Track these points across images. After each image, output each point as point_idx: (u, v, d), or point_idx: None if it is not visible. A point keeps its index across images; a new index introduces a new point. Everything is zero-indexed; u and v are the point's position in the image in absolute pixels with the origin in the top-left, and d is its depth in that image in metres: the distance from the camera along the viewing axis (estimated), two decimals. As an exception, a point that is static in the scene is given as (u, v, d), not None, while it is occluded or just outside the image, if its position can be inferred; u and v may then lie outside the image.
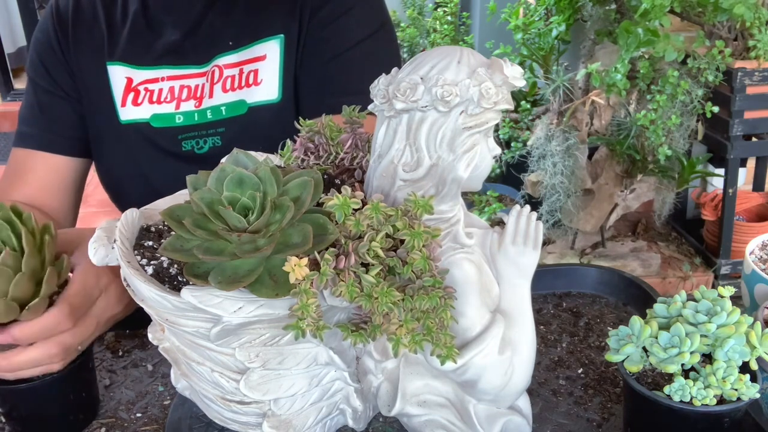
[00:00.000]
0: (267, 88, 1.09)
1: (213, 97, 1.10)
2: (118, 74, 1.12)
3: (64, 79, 1.15)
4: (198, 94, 1.10)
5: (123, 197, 1.19)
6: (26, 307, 0.70)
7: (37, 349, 0.73)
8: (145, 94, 1.11)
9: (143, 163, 1.12)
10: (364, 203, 0.57)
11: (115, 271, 0.82)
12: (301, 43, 1.09)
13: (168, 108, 1.11)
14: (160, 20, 1.12)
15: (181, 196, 0.71)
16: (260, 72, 1.09)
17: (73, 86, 1.15)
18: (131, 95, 1.12)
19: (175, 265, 0.62)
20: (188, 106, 1.10)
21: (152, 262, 0.62)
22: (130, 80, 1.12)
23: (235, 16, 1.11)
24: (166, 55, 1.11)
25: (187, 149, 1.10)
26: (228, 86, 1.09)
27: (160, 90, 1.11)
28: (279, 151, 0.73)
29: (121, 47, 1.13)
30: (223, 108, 1.09)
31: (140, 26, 1.12)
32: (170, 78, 1.11)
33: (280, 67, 1.09)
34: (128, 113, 1.12)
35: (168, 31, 1.12)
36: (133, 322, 0.94)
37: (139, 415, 0.81)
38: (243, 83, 1.09)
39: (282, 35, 1.09)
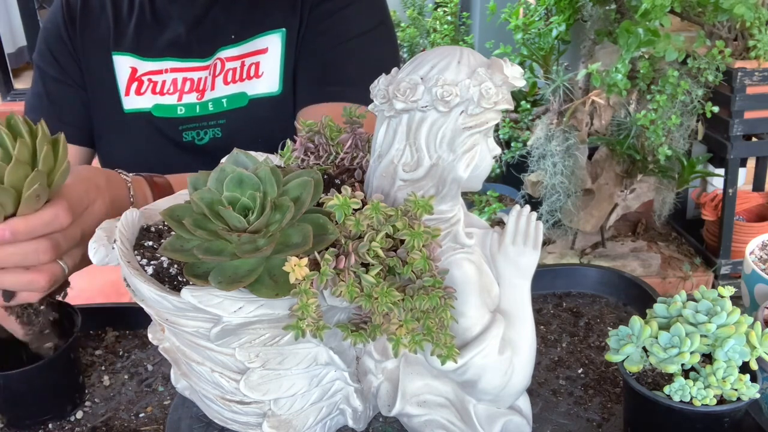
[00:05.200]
0: (268, 81, 1.10)
1: (215, 89, 1.11)
2: (123, 64, 1.13)
3: (72, 67, 1.16)
4: (200, 87, 1.11)
5: None
6: (22, 198, 0.67)
7: (27, 241, 0.69)
8: (148, 84, 1.13)
9: (145, 152, 1.13)
10: (364, 203, 0.57)
11: (102, 185, 0.81)
12: (300, 36, 1.10)
13: (170, 99, 1.12)
14: (166, 12, 1.13)
15: (181, 196, 0.71)
16: (261, 65, 1.10)
17: (80, 75, 1.16)
18: (135, 85, 1.13)
19: (175, 265, 0.62)
20: (190, 98, 1.11)
21: (152, 262, 0.62)
22: (134, 70, 1.13)
23: (238, 10, 1.12)
24: (171, 48, 1.12)
25: (187, 140, 1.11)
26: (229, 78, 1.10)
27: (164, 82, 1.12)
28: (279, 151, 0.73)
29: (127, 38, 1.14)
30: (224, 100, 1.10)
31: (147, 18, 1.14)
32: (174, 70, 1.12)
33: (281, 61, 1.10)
34: (131, 102, 1.13)
35: (173, 24, 1.13)
36: (133, 322, 0.94)
37: (140, 415, 0.81)
38: (244, 75, 1.10)
39: (284, 29, 1.10)
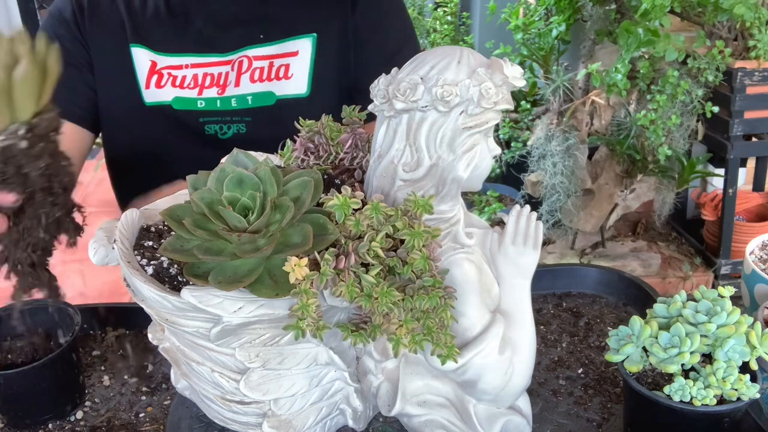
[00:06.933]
0: (296, 83, 1.12)
1: (240, 86, 1.12)
2: (143, 57, 1.14)
3: (77, 49, 1.16)
4: (221, 82, 1.13)
5: (135, 182, 1.19)
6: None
7: None
8: (168, 78, 1.14)
9: (167, 144, 1.14)
10: (364, 203, 0.57)
11: None
12: (344, 44, 1.14)
13: (191, 93, 1.13)
14: (181, 7, 1.14)
15: (181, 196, 0.71)
16: (291, 67, 1.13)
17: (86, 58, 1.16)
18: (155, 78, 1.14)
19: (175, 265, 0.62)
20: (211, 93, 1.13)
21: (152, 262, 0.62)
22: (154, 63, 1.14)
23: (264, 11, 1.14)
24: (189, 43, 1.14)
25: (210, 133, 1.13)
26: (256, 77, 1.12)
27: (184, 76, 1.13)
28: (279, 151, 0.73)
29: (144, 32, 1.14)
30: (249, 97, 1.12)
31: (161, 12, 1.14)
32: (194, 66, 1.14)
33: (311, 64, 1.12)
34: (152, 95, 1.14)
35: (189, 19, 1.14)
36: (133, 322, 0.95)
37: (140, 415, 0.81)
38: (273, 76, 1.13)
39: (315, 34, 1.12)
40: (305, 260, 0.54)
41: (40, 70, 0.67)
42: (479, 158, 0.60)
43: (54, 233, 0.74)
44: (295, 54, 1.13)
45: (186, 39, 1.14)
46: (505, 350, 0.64)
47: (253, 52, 1.13)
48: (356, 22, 1.15)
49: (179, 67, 1.14)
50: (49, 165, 0.69)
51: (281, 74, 1.13)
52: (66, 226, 0.75)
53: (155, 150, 1.15)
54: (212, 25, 1.13)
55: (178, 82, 1.13)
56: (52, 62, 0.68)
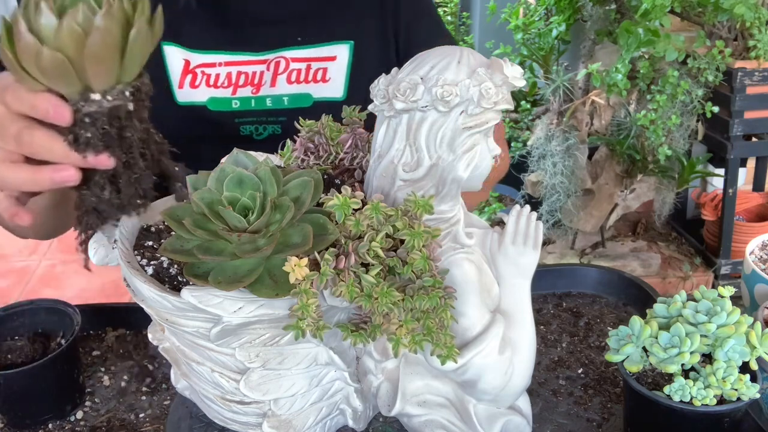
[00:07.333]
0: (333, 87, 1.13)
1: (276, 87, 1.12)
2: (175, 55, 1.13)
3: None
4: (255, 81, 1.13)
5: None
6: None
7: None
8: (202, 77, 1.13)
9: (201, 145, 1.13)
10: (364, 203, 0.57)
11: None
12: (384, 51, 1.15)
13: (225, 93, 1.13)
14: (216, 4, 1.14)
15: (181, 196, 0.71)
16: (329, 71, 1.13)
17: None
18: (189, 77, 1.13)
19: (175, 265, 0.62)
20: (245, 92, 1.13)
21: (152, 262, 0.62)
22: (187, 62, 1.13)
23: (302, 13, 1.14)
24: (223, 41, 1.13)
25: (245, 134, 1.13)
26: (293, 78, 1.12)
27: (218, 75, 1.13)
28: (279, 151, 0.73)
29: (175, 28, 1.13)
30: (285, 98, 1.12)
31: (194, 6, 1.14)
32: (228, 63, 1.13)
33: (347, 70, 1.13)
34: (185, 95, 1.13)
35: (224, 15, 1.13)
36: (133, 322, 0.95)
37: (140, 415, 0.81)
38: (310, 78, 1.13)
39: (352, 41, 1.13)
40: (305, 260, 0.54)
41: (149, 32, 0.63)
42: (479, 158, 0.60)
43: (143, 198, 0.67)
44: (333, 59, 1.13)
45: (219, 36, 1.13)
46: (505, 350, 0.64)
47: (290, 53, 1.13)
48: (398, 40, 1.16)
49: (213, 65, 1.13)
50: (146, 129, 0.66)
51: (318, 77, 1.13)
52: (149, 195, 0.67)
53: (187, 150, 1.14)
54: (247, 23, 1.13)
55: (212, 82, 1.13)
56: (158, 26, 0.65)
